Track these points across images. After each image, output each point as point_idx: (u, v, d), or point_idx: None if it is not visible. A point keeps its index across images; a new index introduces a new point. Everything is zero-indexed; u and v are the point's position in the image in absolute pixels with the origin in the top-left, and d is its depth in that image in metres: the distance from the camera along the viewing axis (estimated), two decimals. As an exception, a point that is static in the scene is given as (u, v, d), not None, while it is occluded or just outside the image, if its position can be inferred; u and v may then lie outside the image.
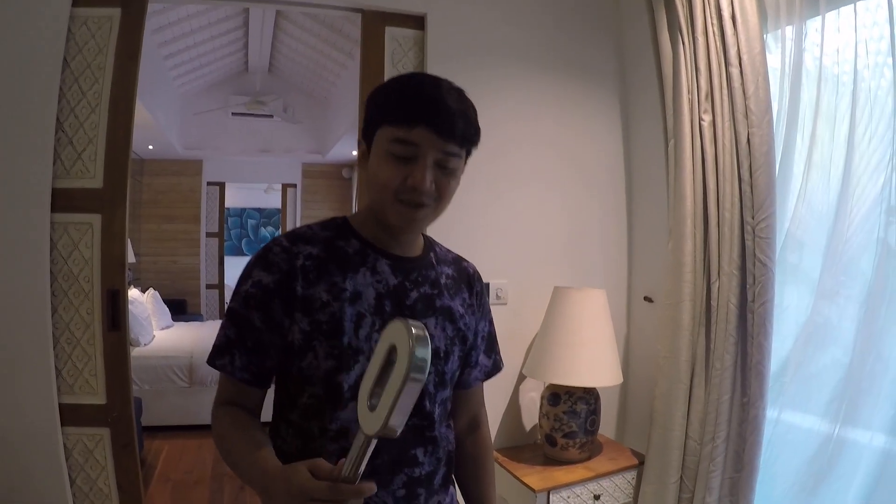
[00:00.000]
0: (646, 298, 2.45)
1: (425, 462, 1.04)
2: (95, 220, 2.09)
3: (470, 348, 1.15)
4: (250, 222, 9.64)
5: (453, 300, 1.10)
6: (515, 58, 2.40)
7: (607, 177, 2.58)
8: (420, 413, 1.02)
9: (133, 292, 5.06)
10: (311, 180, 8.25)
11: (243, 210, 9.40)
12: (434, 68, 2.26)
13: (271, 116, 6.72)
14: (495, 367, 1.27)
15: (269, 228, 9.60)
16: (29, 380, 2.02)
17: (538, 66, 2.44)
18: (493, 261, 2.35)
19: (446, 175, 0.98)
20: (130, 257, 5.83)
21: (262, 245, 1.02)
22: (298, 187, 8.21)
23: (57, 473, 2.06)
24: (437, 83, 0.97)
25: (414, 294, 1.04)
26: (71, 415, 2.08)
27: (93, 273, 2.10)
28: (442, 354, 1.06)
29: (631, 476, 2.20)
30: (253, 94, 6.38)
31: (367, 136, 1.01)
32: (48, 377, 2.02)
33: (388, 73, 2.28)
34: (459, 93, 0.98)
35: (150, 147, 6.46)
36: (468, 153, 1.02)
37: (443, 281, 1.10)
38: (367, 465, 0.79)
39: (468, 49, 2.34)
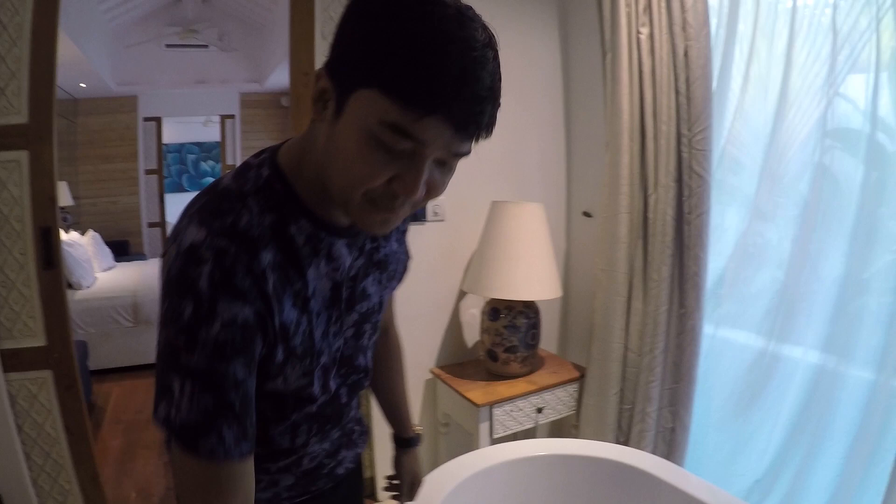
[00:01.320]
0: (584, 213, 2.51)
1: (354, 405, 1.04)
2: (23, 156, 2.07)
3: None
4: (190, 157, 9.32)
5: (389, 238, 0.98)
6: None
7: (545, 91, 2.61)
8: (357, 369, 0.97)
9: (73, 235, 5.07)
10: (250, 110, 8.04)
11: (182, 145, 9.09)
12: None
13: (206, 46, 6.53)
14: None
15: (210, 162, 9.34)
16: None
17: None
18: None
19: (444, 173, 0.73)
20: (68, 200, 5.93)
21: (208, 261, 0.69)
22: (237, 118, 8.03)
23: (3, 421, 2.08)
24: (481, 45, 0.66)
25: (360, 262, 0.90)
26: (12, 360, 2.09)
27: (24, 212, 2.08)
28: (377, 307, 0.96)
29: (573, 389, 2.30)
30: (185, 24, 6.19)
31: (340, 82, 0.69)
32: None
33: (318, 17, 2.26)
34: (495, 58, 0.69)
35: (83, 85, 6.25)
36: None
37: None
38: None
39: None
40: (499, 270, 2.16)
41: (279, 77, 6.71)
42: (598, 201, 2.35)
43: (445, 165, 0.72)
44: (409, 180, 0.68)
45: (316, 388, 0.87)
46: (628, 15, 2.11)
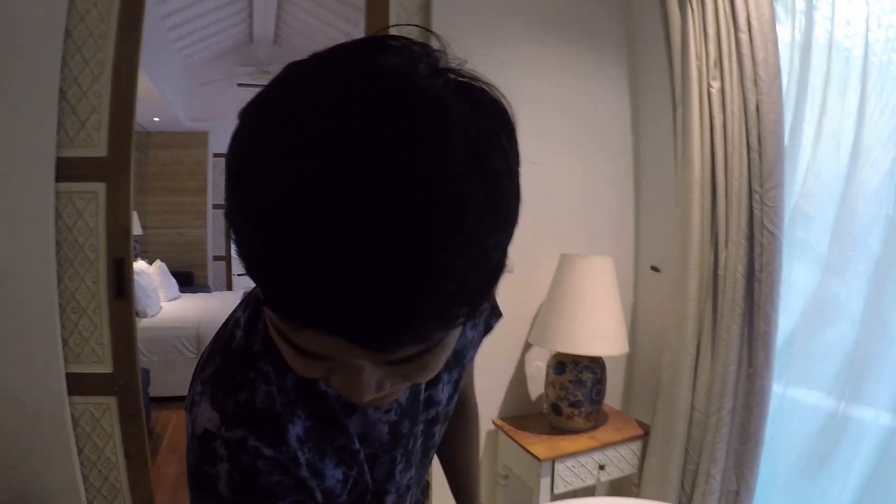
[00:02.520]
0: (653, 268, 2.51)
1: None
2: (100, 188, 2.18)
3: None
4: None
5: (462, 332, 0.78)
6: (522, 21, 2.45)
7: (615, 143, 2.64)
8: (430, 463, 0.90)
9: (140, 264, 5.27)
10: None
11: None
12: (439, 31, 2.29)
13: None
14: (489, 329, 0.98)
15: None
16: (36, 350, 2.12)
17: (546, 29, 2.49)
18: None
19: (419, 361, 0.49)
20: (137, 229, 6.17)
21: (224, 459, 0.60)
22: None
23: (64, 442, 2.17)
24: (373, 201, 0.37)
25: (422, 384, 0.75)
26: (78, 384, 2.18)
27: (98, 242, 2.19)
28: (448, 402, 0.83)
29: (636, 447, 2.28)
30: (258, 65, 6.51)
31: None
32: (55, 347, 2.13)
33: (394, 12, 2.36)
34: (444, 200, 0.39)
35: (156, 119, 6.58)
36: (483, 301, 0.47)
37: None
38: None
39: (475, 9, 2.39)
40: (567, 324, 2.18)
41: None
42: (667, 256, 2.37)
43: (419, 362, 0.49)
44: (347, 385, 0.50)
45: None
46: (699, 69, 2.14)
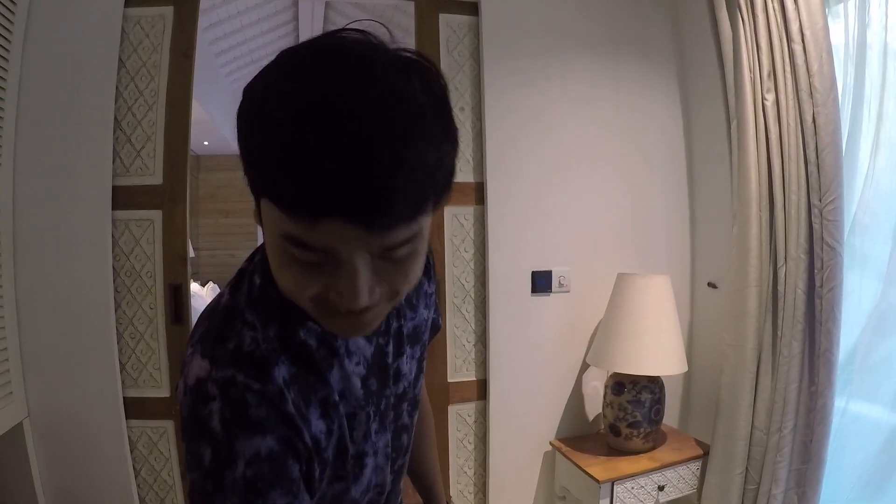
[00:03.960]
0: (709, 284, 2.53)
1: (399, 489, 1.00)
2: (156, 216, 2.28)
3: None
4: None
5: (416, 308, 0.94)
6: (572, 40, 2.53)
7: (668, 159, 2.68)
8: (402, 451, 0.94)
9: (193, 286, 5.43)
10: None
11: None
12: (490, 54, 2.42)
13: None
14: (436, 330, 1.05)
15: None
16: (94, 375, 2.22)
17: (595, 47, 2.56)
18: (553, 248, 2.51)
19: (398, 262, 0.63)
20: (189, 252, 6.24)
21: (216, 398, 0.66)
22: None
23: (122, 465, 2.27)
24: (362, 117, 0.53)
25: (389, 347, 0.86)
26: (135, 408, 2.28)
27: (155, 268, 2.28)
28: (413, 383, 0.92)
29: (695, 467, 2.30)
30: None
31: (250, 187, 0.65)
32: (112, 372, 2.23)
33: (444, 60, 2.44)
34: (411, 114, 0.55)
35: (206, 143, 7.04)
36: (440, 201, 0.65)
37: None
38: None
39: (523, 32, 2.47)
40: (625, 344, 2.22)
41: None
42: (724, 272, 2.40)
43: (393, 258, 0.61)
44: (343, 290, 0.60)
45: (358, 492, 0.83)
46: (753, 81, 2.16)
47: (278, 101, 0.55)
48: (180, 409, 0.68)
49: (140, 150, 2.26)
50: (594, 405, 2.59)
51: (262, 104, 0.57)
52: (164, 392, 2.29)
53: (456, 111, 2.20)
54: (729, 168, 2.34)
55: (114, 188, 2.21)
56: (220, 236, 7.60)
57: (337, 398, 0.76)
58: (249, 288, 0.74)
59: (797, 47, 2.03)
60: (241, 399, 0.66)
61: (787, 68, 2.07)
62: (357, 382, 0.80)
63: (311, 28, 5.87)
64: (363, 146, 0.52)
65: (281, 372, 0.70)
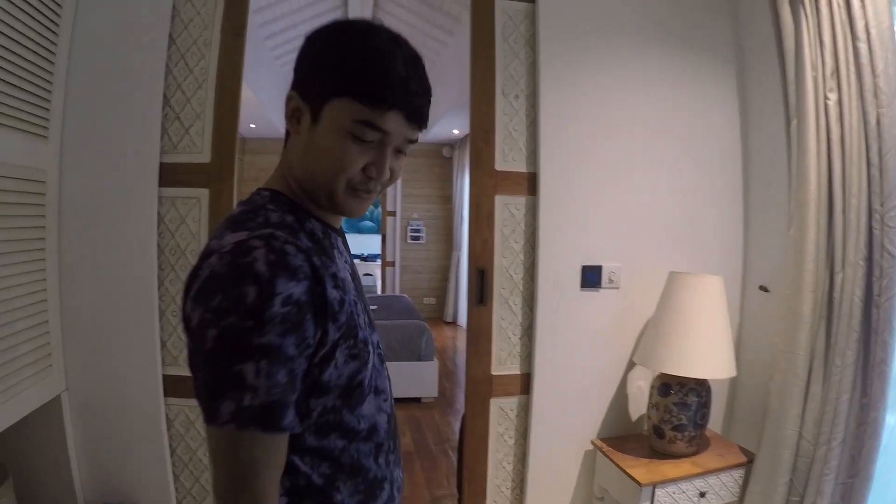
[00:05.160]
0: (761, 288, 2.51)
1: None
2: (203, 194, 2.33)
3: None
4: None
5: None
6: (625, 31, 2.53)
7: (723, 157, 2.66)
8: (390, 389, 1.09)
9: None
10: (411, 159, 8.99)
11: None
12: (546, 42, 2.43)
13: None
14: None
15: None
16: (134, 351, 2.29)
17: (652, 41, 2.56)
18: (604, 243, 2.52)
19: (399, 158, 0.98)
20: None
21: (260, 247, 0.80)
22: None
23: (158, 442, 2.33)
24: (413, 56, 0.93)
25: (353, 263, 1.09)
26: (174, 386, 2.34)
27: (200, 247, 2.26)
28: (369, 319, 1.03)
29: (738, 474, 2.30)
30: None
31: (311, 99, 0.91)
32: (153, 349, 2.29)
33: (500, 47, 2.46)
34: (422, 64, 0.96)
35: (252, 126, 7.45)
36: None
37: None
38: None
39: (580, 22, 2.48)
40: (674, 344, 2.22)
41: (442, 128, 7.67)
42: (777, 276, 2.40)
43: (400, 153, 0.97)
44: (379, 164, 0.93)
45: (367, 380, 0.95)
46: (815, 79, 2.14)
47: (371, 36, 0.91)
48: (210, 272, 0.80)
49: (189, 128, 2.31)
50: (638, 405, 2.59)
51: (359, 35, 0.91)
52: None
53: (510, 99, 2.22)
54: (787, 168, 2.32)
55: (161, 165, 2.27)
56: None
57: (342, 274, 0.93)
58: (261, 198, 0.96)
59: (862, 46, 2.00)
60: (281, 249, 0.81)
61: (851, 67, 2.04)
62: (349, 276, 0.98)
63: (360, 12, 5.99)
64: (420, 75, 0.93)
65: (303, 241, 0.88)
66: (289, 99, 0.95)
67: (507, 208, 2.48)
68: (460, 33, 5.42)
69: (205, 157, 2.32)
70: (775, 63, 2.35)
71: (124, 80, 2.23)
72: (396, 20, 6.19)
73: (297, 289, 0.79)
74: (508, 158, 2.46)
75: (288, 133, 0.99)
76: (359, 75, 0.87)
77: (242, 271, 0.77)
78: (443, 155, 9.56)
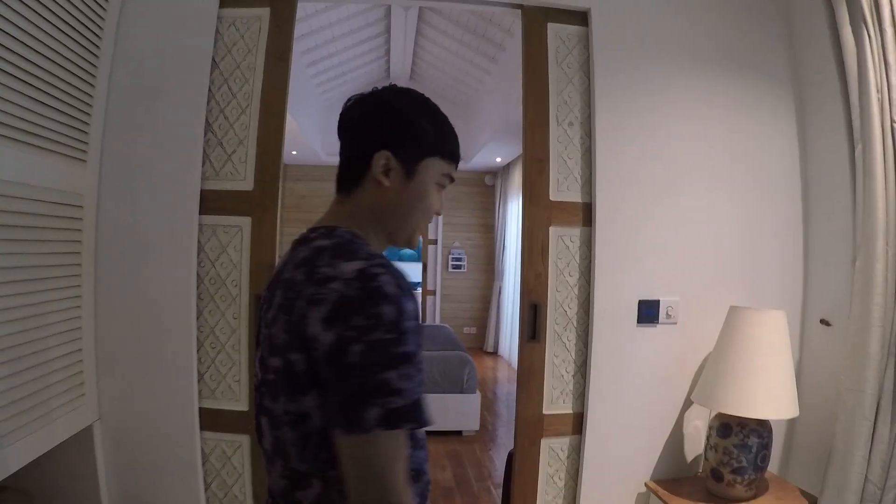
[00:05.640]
0: (823, 321, 2.41)
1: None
2: (245, 223, 2.30)
3: None
4: None
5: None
6: (680, 53, 2.47)
7: (781, 184, 2.57)
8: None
9: None
10: (453, 187, 8.78)
11: None
12: (601, 65, 2.38)
13: None
14: None
15: None
16: (170, 382, 2.25)
17: (707, 63, 2.49)
18: (661, 276, 2.44)
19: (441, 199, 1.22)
20: (274, 259, 6.54)
21: (383, 273, 0.93)
22: None
23: (192, 477, 2.28)
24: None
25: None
26: (210, 419, 2.30)
27: (241, 277, 2.30)
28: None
29: (801, 519, 2.18)
30: None
31: (405, 158, 1.10)
32: (189, 381, 2.25)
33: (553, 72, 2.41)
34: None
35: (294, 153, 7.58)
36: None
37: None
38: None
39: (634, 43, 2.43)
40: (735, 383, 2.14)
41: (484, 156, 7.77)
42: (838, 309, 2.32)
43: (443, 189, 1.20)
44: (438, 203, 1.18)
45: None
46: (880, 101, 2.07)
47: (431, 103, 1.17)
48: (346, 291, 0.91)
49: (231, 154, 2.29)
50: (694, 446, 2.50)
51: (429, 104, 1.16)
52: (242, 405, 2.29)
53: (564, 126, 2.18)
54: (850, 196, 2.24)
55: (202, 192, 2.24)
56: None
57: None
58: (342, 233, 1.07)
59: (933, 68, 1.94)
60: (397, 274, 0.95)
61: (921, 90, 1.98)
62: None
63: (403, 40, 6.18)
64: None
65: None
66: (379, 157, 1.08)
67: (562, 240, 2.41)
68: (504, 60, 5.47)
69: (247, 184, 2.28)
70: (836, 85, 2.29)
71: (165, 103, 2.21)
72: (438, 47, 6.30)
73: (414, 305, 0.94)
74: (563, 188, 2.40)
75: (356, 181, 1.11)
76: (444, 140, 1.14)
77: (377, 294, 0.90)
78: (485, 183, 9.54)
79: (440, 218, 9.20)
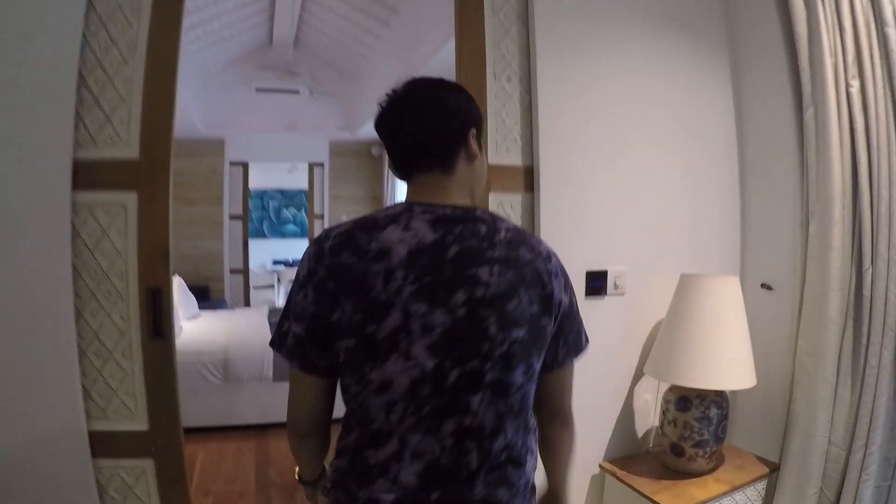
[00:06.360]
0: (764, 286, 2.41)
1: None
2: (130, 199, 1.89)
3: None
4: (272, 203, 10.30)
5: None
6: (627, 9, 2.32)
7: (721, 146, 2.53)
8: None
9: None
10: (340, 158, 8.65)
11: (264, 191, 10.08)
12: (540, 15, 2.17)
13: (297, 92, 7.20)
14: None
15: (292, 210, 10.25)
16: (49, 404, 1.82)
17: (651, 19, 2.37)
18: (608, 244, 2.31)
19: None
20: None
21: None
22: (326, 166, 8.66)
23: None
24: None
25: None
26: (104, 444, 1.90)
27: (127, 268, 1.90)
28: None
29: (761, 487, 2.20)
30: (277, 69, 6.88)
31: (478, 133, 1.24)
32: (74, 399, 1.84)
33: (489, 22, 2.16)
34: None
35: None
36: None
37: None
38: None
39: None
40: (692, 354, 2.07)
41: (371, 127, 7.01)
42: (780, 273, 2.33)
43: None
44: None
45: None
46: (835, 66, 2.06)
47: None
48: (558, 267, 1.19)
49: (111, 115, 1.87)
50: (644, 421, 2.43)
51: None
52: (140, 424, 1.92)
53: (502, 81, 1.96)
54: (794, 159, 2.24)
55: (75, 162, 1.81)
56: (183, 226, 7.31)
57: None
58: (494, 215, 1.20)
59: (892, 31, 1.95)
60: None
61: (877, 54, 1.99)
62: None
63: (291, 2, 5.79)
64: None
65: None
66: (471, 135, 1.20)
67: (502, 207, 2.19)
68: (397, 25, 5.28)
69: (132, 151, 1.88)
70: (778, 48, 2.27)
71: (26, 52, 1.75)
72: (326, 10, 6.00)
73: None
74: (501, 150, 2.18)
75: (454, 158, 1.19)
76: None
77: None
78: (372, 154, 9.16)
79: (326, 190, 8.99)
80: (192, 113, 6.30)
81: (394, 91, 1.21)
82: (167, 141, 1.90)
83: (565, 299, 1.17)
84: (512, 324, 1.07)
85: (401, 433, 1.07)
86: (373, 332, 1.04)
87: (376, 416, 1.07)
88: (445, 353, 1.04)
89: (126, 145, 1.87)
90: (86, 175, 1.83)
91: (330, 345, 1.09)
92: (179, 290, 5.62)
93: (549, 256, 1.16)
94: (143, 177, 1.88)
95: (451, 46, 2.19)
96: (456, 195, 1.17)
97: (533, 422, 1.22)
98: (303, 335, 1.10)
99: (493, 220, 1.14)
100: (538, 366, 1.16)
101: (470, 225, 1.11)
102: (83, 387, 1.85)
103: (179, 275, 6.10)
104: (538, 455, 1.27)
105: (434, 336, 1.04)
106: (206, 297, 7.21)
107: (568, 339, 1.21)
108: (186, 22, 5.12)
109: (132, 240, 1.88)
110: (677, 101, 2.42)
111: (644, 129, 2.36)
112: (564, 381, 1.27)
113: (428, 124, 1.16)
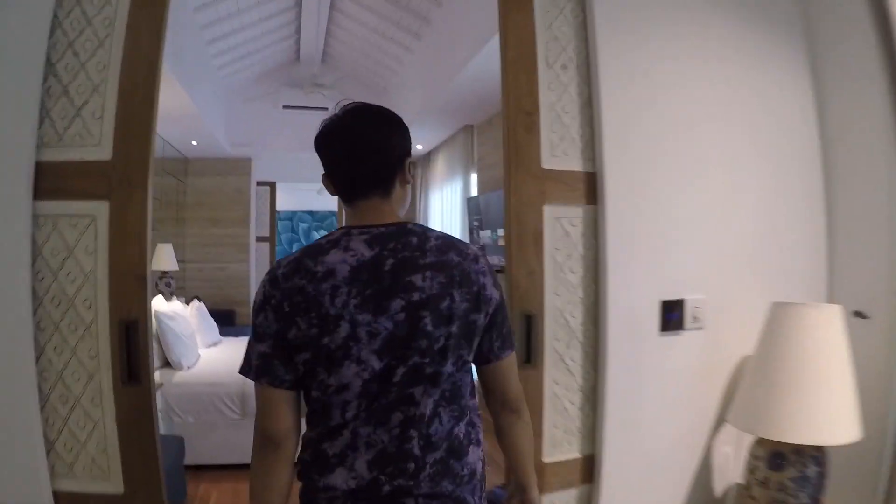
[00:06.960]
0: (857, 314, 2.03)
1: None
2: (101, 209, 1.66)
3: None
4: (301, 225, 10.59)
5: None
6: (689, 9, 2.03)
7: (801, 152, 2.17)
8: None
9: (175, 305, 5.03)
10: None
11: (294, 213, 10.29)
12: (603, 25, 1.88)
13: (325, 109, 6.89)
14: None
15: (322, 232, 10.60)
16: (8, 458, 1.59)
17: (717, 15, 2.07)
18: (684, 269, 1.99)
19: None
20: (173, 265, 6.14)
21: None
22: None
23: None
24: None
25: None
26: None
27: (96, 293, 1.69)
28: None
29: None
30: (304, 86, 6.84)
31: (410, 161, 1.34)
32: (35, 453, 1.60)
33: (541, 36, 1.89)
34: None
35: (194, 143, 6.66)
36: None
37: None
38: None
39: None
40: (789, 401, 1.74)
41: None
42: (875, 298, 2.01)
43: None
44: None
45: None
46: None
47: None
48: (486, 267, 1.26)
49: (81, 108, 1.66)
50: (723, 477, 2.07)
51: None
52: (114, 486, 1.67)
53: (556, 69, 1.60)
54: (892, 160, 1.93)
55: (38, 164, 1.62)
56: (208, 248, 7.41)
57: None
58: (425, 227, 1.33)
59: None
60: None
61: None
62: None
63: (317, 15, 5.81)
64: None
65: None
66: (408, 163, 1.32)
67: (560, 224, 1.88)
68: (428, 35, 5.20)
69: (104, 151, 1.68)
70: (864, 22, 1.96)
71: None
72: (354, 23, 6.03)
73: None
74: (558, 152, 1.88)
75: (392, 185, 1.28)
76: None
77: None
78: None
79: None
80: (215, 131, 6.26)
81: (339, 119, 1.26)
82: (147, 140, 1.68)
83: (496, 294, 1.25)
84: (446, 321, 1.18)
85: (353, 427, 1.18)
86: (327, 343, 1.15)
87: (334, 413, 1.18)
88: (391, 353, 1.16)
89: (97, 144, 1.68)
90: (50, 180, 1.61)
91: (291, 359, 1.19)
92: (198, 316, 5.52)
93: (476, 258, 1.25)
94: (117, 182, 1.66)
95: (489, 48, 1.89)
96: (389, 214, 1.29)
97: (476, 415, 1.30)
98: (269, 352, 1.20)
99: (424, 231, 1.27)
100: (470, 357, 1.26)
101: (403, 238, 1.23)
102: (46, 437, 1.63)
103: (201, 298, 6.13)
104: (484, 447, 1.32)
105: (379, 340, 1.16)
106: (231, 321, 7.06)
107: (501, 330, 1.30)
108: (209, 34, 5.18)
109: (102, 259, 1.67)
110: (752, 103, 2.10)
111: (726, 136, 2.04)
112: (506, 371, 1.33)
113: (374, 162, 1.26)
